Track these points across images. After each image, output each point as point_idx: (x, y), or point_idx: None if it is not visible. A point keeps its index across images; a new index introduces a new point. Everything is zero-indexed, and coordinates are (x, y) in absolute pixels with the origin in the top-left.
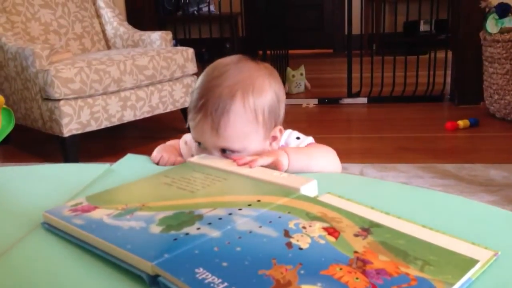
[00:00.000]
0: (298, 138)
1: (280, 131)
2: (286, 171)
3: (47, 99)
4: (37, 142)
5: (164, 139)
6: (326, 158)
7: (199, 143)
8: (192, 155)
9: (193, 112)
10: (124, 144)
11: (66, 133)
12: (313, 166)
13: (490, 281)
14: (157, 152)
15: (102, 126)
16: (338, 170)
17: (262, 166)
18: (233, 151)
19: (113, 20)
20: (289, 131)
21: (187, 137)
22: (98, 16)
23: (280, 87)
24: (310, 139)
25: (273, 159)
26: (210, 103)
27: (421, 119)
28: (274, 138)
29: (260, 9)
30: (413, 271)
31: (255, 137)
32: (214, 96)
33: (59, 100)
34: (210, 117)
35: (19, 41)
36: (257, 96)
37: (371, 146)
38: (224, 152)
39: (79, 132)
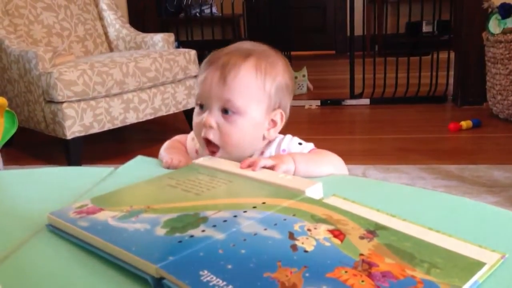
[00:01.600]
0: (300, 144)
1: (281, 117)
2: None
3: (50, 101)
4: (40, 145)
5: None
6: (332, 165)
7: (201, 106)
8: (196, 151)
9: (201, 70)
10: (127, 147)
11: (69, 135)
12: (320, 173)
13: (497, 284)
14: (165, 153)
15: (105, 129)
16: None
17: (265, 167)
18: (234, 112)
19: (116, 23)
20: (289, 136)
21: (193, 134)
22: (101, 18)
23: (292, 78)
24: (311, 145)
25: (275, 162)
26: (222, 59)
27: (423, 120)
28: (274, 123)
29: (262, 11)
30: (419, 274)
31: (257, 104)
32: (227, 53)
33: (62, 102)
34: (220, 69)
35: (22, 43)
36: (269, 68)
37: (373, 147)
38: (225, 113)
39: (82, 134)
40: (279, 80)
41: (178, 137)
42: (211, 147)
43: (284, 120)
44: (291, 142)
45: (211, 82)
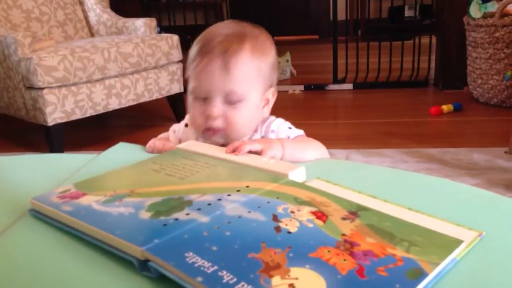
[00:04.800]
0: (290, 128)
1: (273, 94)
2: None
3: (30, 87)
4: (20, 132)
5: (151, 127)
6: (318, 152)
7: (202, 98)
8: (180, 141)
9: (197, 59)
10: (110, 133)
11: (51, 122)
12: (304, 159)
13: (474, 261)
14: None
15: (87, 115)
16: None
17: (251, 152)
18: (235, 101)
19: (96, 7)
20: (281, 119)
21: (175, 126)
22: (81, 2)
23: (275, 53)
24: (301, 132)
25: (263, 147)
26: (219, 46)
27: (405, 105)
28: (267, 101)
29: None
30: (399, 252)
31: (255, 88)
32: (223, 40)
33: (42, 88)
34: (220, 57)
35: (1, 29)
36: (262, 49)
37: (356, 132)
38: (229, 102)
39: (64, 120)
40: (269, 59)
41: (161, 135)
42: (214, 133)
43: (275, 96)
44: (283, 125)
45: (213, 73)
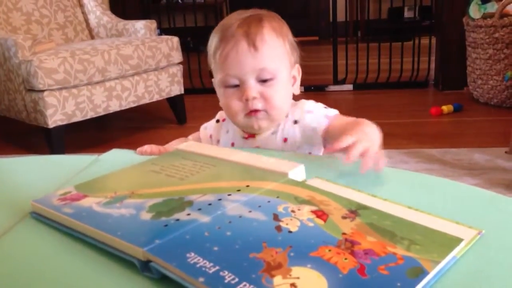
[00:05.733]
0: (325, 107)
1: (298, 70)
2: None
3: (31, 90)
4: (21, 134)
5: (151, 129)
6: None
7: (234, 85)
8: (210, 136)
9: (220, 48)
10: (111, 135)
11: (51, 124)
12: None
13: (474, 259)
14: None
15: (88, 117)
16: None
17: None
18: (268, 79)
19: (96, 9)
20: (312, 101)
21: (206, 124)
22: (81, 5)
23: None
24: (336, 111)
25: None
26: (240, 29)
27: (406, 105)
28: (294, 79)
29: None
30: (400, 251)
31: (284, 63)
32: (242, 23)
33: (43, 91)
34: (245, 38)
35: (1, 31)
36: (280, 27)
37: None
38: (262, 81)
39: (64, 123)
40: (290, 37)
41: (190, 136)
42: (256, 113)
43: (300, 74)
44: (316, 104)
45: (241, 55)
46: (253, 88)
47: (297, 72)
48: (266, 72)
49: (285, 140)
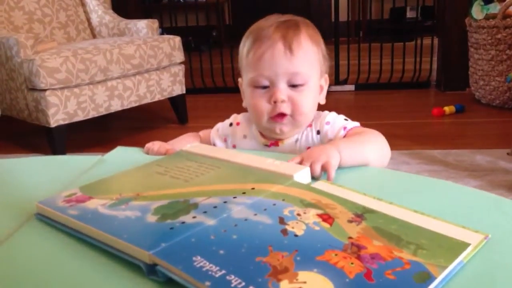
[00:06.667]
0: (346, 119)
1: (326, 80)
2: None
3: (33, 89)
4: (23, 133)
5: (153, 128)
6: (377, 147)
7: (263, 86)
8: (225, 140)
9: (254, 48)
10: (112, 135)
11: (53, 123)
12: (365, 159)
13: (481, 264)
14: (153, 143)
15: (90, 116)
16: (388, 158)
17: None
18: (298, 85)
19: (98, 9)
20: (334, 112)
21: (219, 125)
22: (83, 4)
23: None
24: (357, 124)
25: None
26: (277, 31)
27: (407, 106)
28: (321, 88)
29: None
30: (406, 255)
31: (315, 72)
32: (279, 26)
33: (45, 90)
34: (281, 40)
35: (3, 30)
36: (315, 34)
37: None
38: (292, 85)
39: (66, 122)
40: (322, 46)
41: (201, 132)
42: (282, 118)
43: (327, 84)
44: (338, 117)
45: (276, 56)
46: (283, 91)
47: (324, 82)
48: (299, 77)
49: (308, 148)
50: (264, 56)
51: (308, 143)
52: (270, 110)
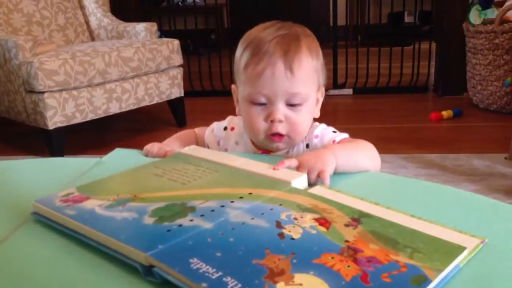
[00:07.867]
0: (334, 132)
1: (322, 93)
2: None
3: (31, 91)
4: (21, 135)
5: (151, 131)
6: (369, 154)
7: (260, 103)
8: (218, 143)
9: (252, 63)
10: (111, 137)
11: (51, 126)
12: (359, 166)
13: (477, 268)
14: (166, 141)
15: (88, 119)
16: (379, 167)
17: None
18: (297, 104)
19: (97, 11)
20: (324, 124)
21: (215, 125)
22: (82, 7)
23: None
24: (345, 135)
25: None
26: (277, 48)
27: (405, 110)
28: (317, 101)
29: (245, 0)
30: (402, 259)
31: (314, 87)
32: (280, 41)
33: (43, 92)
34: (282, 59)
35: (1, 32)
36: (315, 47)
37: (356, 137)
38: (291, 105)
39: (64, 124)
40: (321, 58)
41: (197, 129)
42: (280, 139)
43: (323, 96)
44: (326, 129)
45: (276, 76)
46: (281, 110)
47: (321, 95)
48: (298, 97)
49: None
50: (264, 74)
51: (298, 155)
52: (266, 129)
